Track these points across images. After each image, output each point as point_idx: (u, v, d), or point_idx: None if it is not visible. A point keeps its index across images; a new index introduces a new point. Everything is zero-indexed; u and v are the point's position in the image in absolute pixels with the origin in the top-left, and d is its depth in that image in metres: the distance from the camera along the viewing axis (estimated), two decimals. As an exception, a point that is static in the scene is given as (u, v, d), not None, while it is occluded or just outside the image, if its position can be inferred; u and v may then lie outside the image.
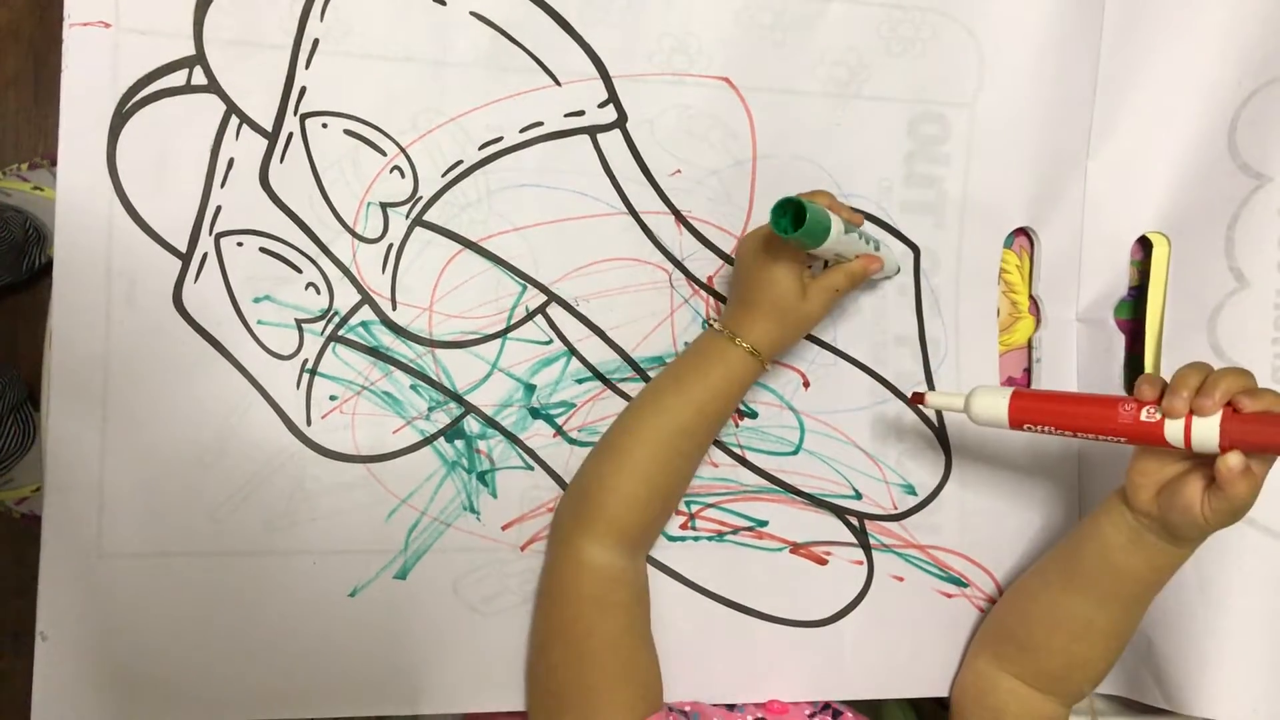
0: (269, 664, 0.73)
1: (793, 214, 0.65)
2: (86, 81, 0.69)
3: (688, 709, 0.75)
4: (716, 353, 0.73)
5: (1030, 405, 0.67)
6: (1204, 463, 0.62)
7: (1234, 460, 0.59)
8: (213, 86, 0.71)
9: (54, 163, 1.36)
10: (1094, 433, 0.65)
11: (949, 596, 0.83)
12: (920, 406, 0.70)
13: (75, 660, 0.70)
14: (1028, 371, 0.86)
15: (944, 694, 0.82)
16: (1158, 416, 0.62)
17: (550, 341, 0.77)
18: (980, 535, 0.83)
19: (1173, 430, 0.61)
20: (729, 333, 0.72)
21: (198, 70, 0.71)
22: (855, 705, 0.83)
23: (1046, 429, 0.66)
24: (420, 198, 0.75)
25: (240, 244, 0.72)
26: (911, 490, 0.83)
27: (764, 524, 0.80)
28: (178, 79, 0.71)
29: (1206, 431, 0.60)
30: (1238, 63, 0.80)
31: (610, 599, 0.70)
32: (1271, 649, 0.77)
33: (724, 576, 0.79)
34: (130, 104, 0.70)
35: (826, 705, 0.78)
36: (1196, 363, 0.63)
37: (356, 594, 0.74)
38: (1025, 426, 0.67)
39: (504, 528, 0.76)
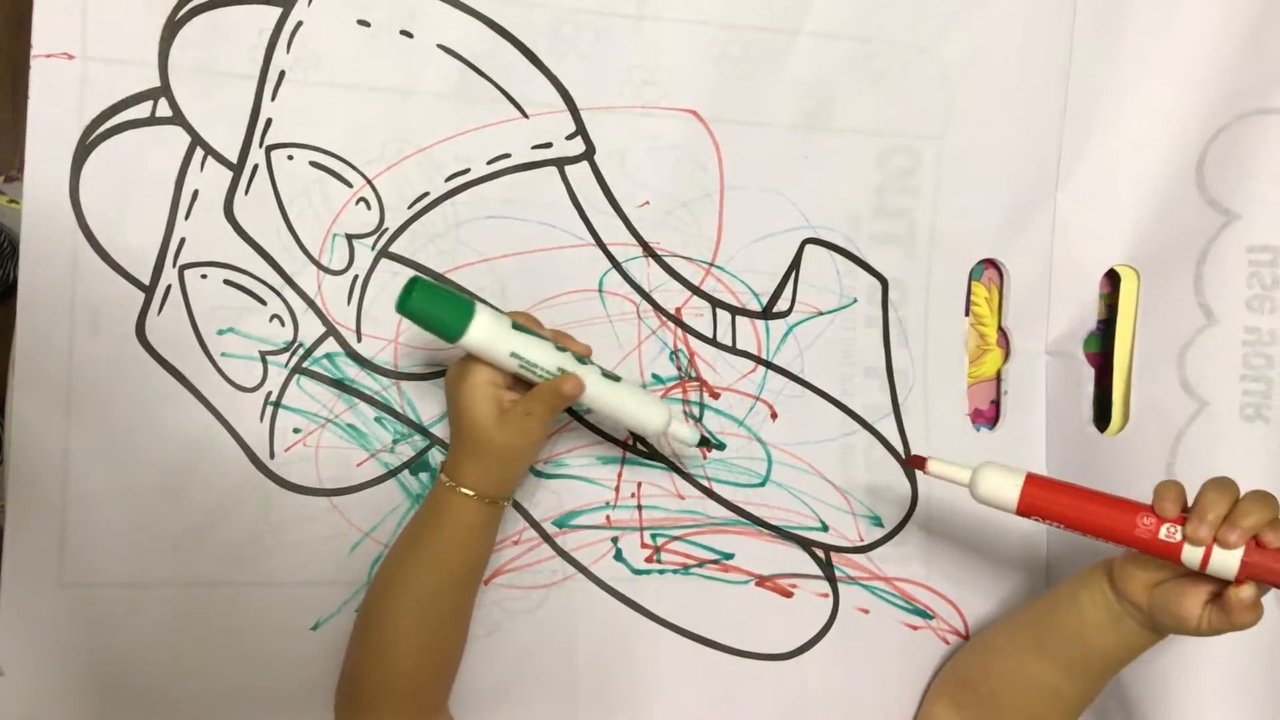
0: (231, 696, 0.73)
1: (407, 292, 0.62)
2: (51, 113, 0.69)
3: None
4: (440, 506, 0.68)
5: (1042, 496, 0.63)
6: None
7: (1247, 593, 0.58)
8: (177, 118, 0.71)
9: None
10: (1107, 539, 0.62)
11: (914, 629, 0.83)
12: (921, 471, 0.66)
13: (35, 694, 0.70)
14: (995, 404, 0.86)
15: (909, 727, 0.82)
16: (1178, 537, 0.59)
17: (516, 374, 0.77)
18: (946, 568, 0.83)
19: (1190, 555, 0.59)
20: (447, 480, 0.67)
21: (162, 102, 0.71)
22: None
23: (1053, 523, 0.63)
24: (386, 229, 0.75)
25: (204, 276, 0.72)
26: (878, 522, 0.83)
27: (730, 556, 0.80)
28: (142, 110, 0.70)
29: (1226, 562, 0.58)
30: (1204, 98, 0.80)
31: None
32: (1239, 683, 0.76)
33: (689, 610, 0.79)
34: (94, 135, 0.70)
35: None
36: (1223, 483, 0.60)
37: (319, 627, 0.74)
38: (1032, 517, 0.64)
39: (468, 560, 0.76)
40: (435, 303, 0.63)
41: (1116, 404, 0.82)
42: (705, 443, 0.73)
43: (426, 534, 0.69)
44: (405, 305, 0.62)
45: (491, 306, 0.65)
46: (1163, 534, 0.60)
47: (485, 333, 0.63)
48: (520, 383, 0.67)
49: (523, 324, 0.66)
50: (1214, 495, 0.59)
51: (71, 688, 0.71)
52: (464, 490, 0.67)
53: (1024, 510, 0.64)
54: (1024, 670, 0.72)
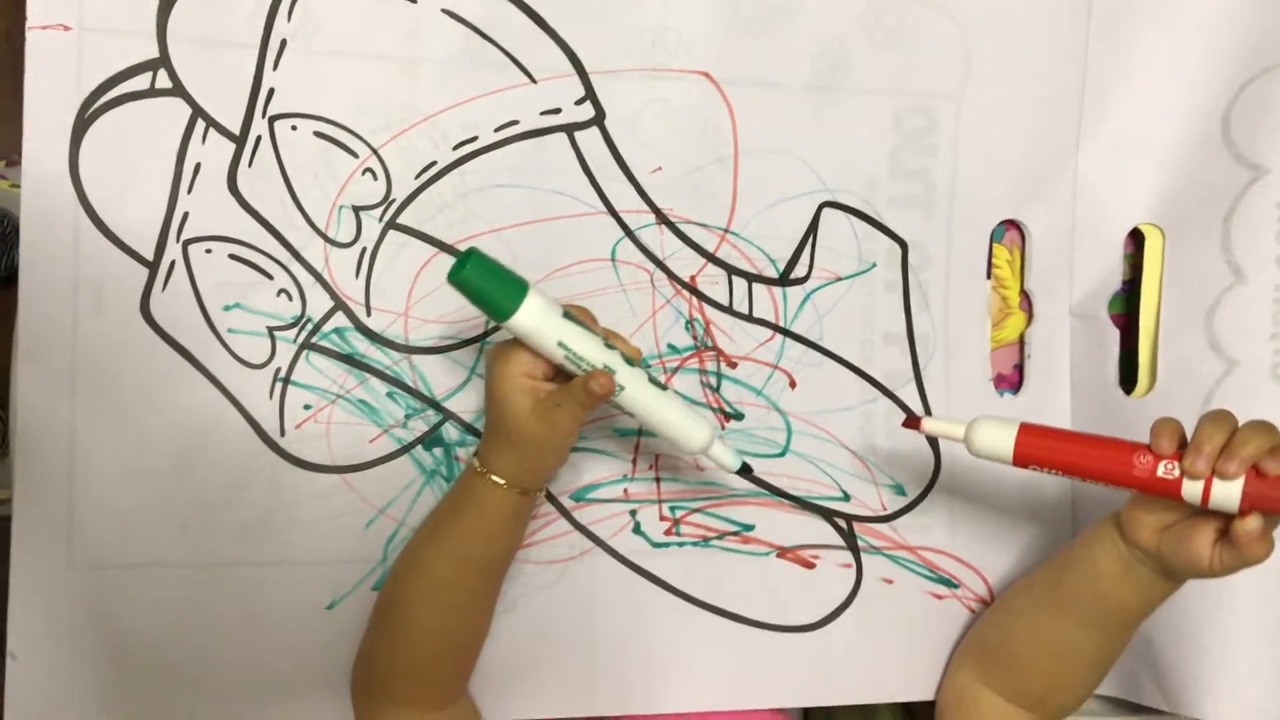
0: (246, 677, 0.72)
1: (462, 263, 0.61)
2: (48, 86, 0.67)
3: None
4: (469, 491, 0.67)
5: (1037, 443, 0.63)
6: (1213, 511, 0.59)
7: (1253, 524, 0.56)
8: (178, 90, 0.69)
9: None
10: (1105, 481, 0.61)
11: (939, 598, 0.81)
12: (917, 431, 0.67)
13: (47, 677, 0.69)
14: (1018, 368, 0.85)
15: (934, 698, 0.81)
16: (1176, 473, 0.58)
17: (530, 345, 0.75)
18: (970, 535, 0.82)
19: (1190, 490, 0.58)
20: (479, 465, 0.66)
21: (162, 73, 0.69)
22: (846, 710, 0.82)
23: (1051, 470, 0.63)
24: (394, 200, 0.73)
25: (209, 250, 0.71)
26: (900, 490, 0.81)
27: (750, 528, 0.79)
28: (142, 82, 0.69)
29: (1227, 494, 0.57)
30: (1229, 52, 0.78)
31: None
32: (1273, 649, 0.75)
33: (710, 583, 0.78)
34: (93, 109, 0.68)
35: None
36: (1219, 415, 0.59)
37: (334, 606, 0.73)
38: (1030, 466, 0.63)
39: (484, 536, 0.75)
40: (490, 278, 0.62)
41: (1143, 365, 0.81)
42: (746, 470, 0.69)
43: (452, 519, 0.67)
44: (458, 275, 0.61)
45: (545, 294, 0.63)
46: (1160, 471, 0.59)
47: (535, 317, 0.62)
48: (560, 376, 0.65)
49: (575, 315, 0.64)
50: (1210, 428, 0.58)
51: (84, 671, 0.69)
52: (494, 478, 0.65)
53: (1020, 460, 0.63)
54: (1043, 629, 0.71)
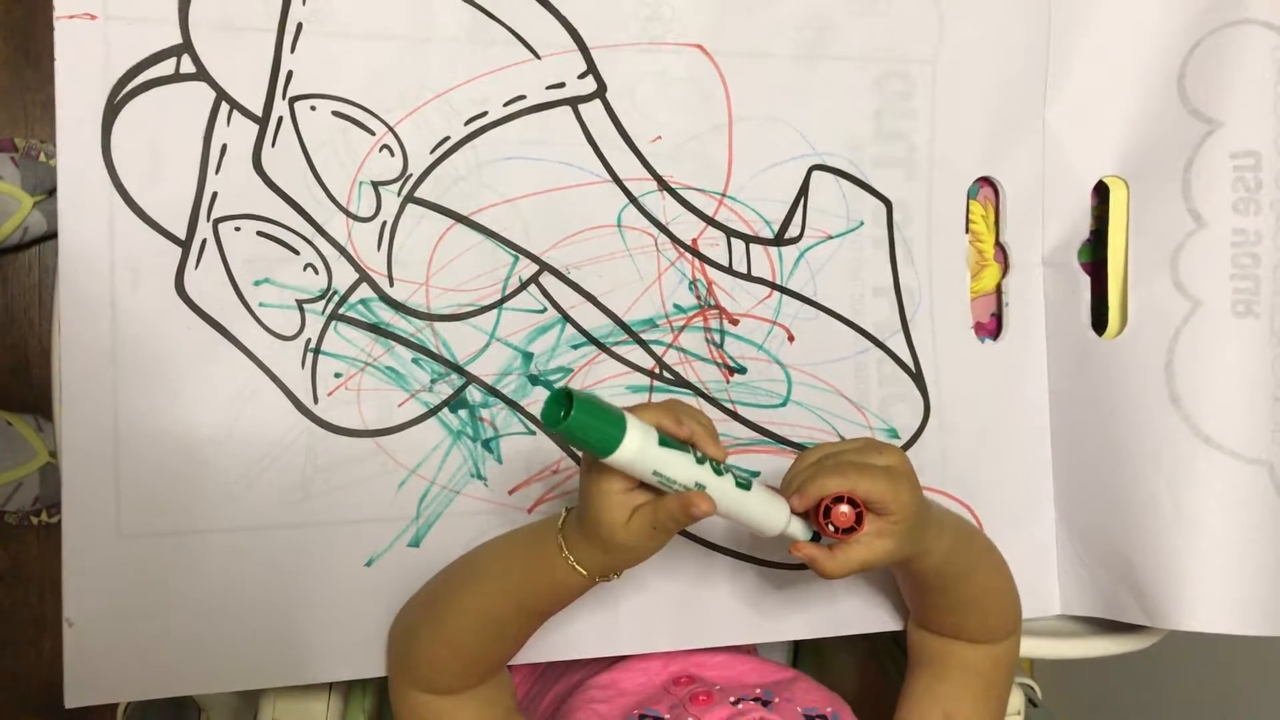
0: (292, 633, 0.75)
1: (564, 405, 0.57)
2: (78, 75, 0.70)
3: None
4: (546, 556, 0.67)
5: None
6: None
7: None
8: (201, 74, 0.72)
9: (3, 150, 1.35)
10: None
11: (934, 533, 0.87)
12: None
13: (102, 642, 0.72)
14: (996, 316, 0.90)
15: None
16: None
17: (544, 310, 0.79)
18: (960, 472, 0.87)
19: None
20: (565, 549, 0.66)
21: (185, 58, 0.72)
22: (848, 639, 0.88)
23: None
24: (411, 175, 0.76)
25: (238, 228, 0.73)
26: (894, 434, 0.86)
27: (756, 475, 0.83)
28: (166, 68, 0.71)
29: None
30: (1183, 10, 0.84)
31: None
32: (1241, 562, 0.81)
33: (721, 526, 0.82)
34: (121, 95, 0.71)
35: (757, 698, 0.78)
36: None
37: (373, 563, 0.76)
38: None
39: (511, 492, 0.79)
40: (590, 423, 0.58)
41: (1113, 308, 0.86)
42: (817, 537, 0.70)
43: (520, 573, 0.69)
44: (559, 424, 0.58)
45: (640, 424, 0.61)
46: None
47: (634, 454, 0.60)
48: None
49: (667, 431, 0.62)
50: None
51: (137, 635, 0.72)
52: (576, 566, 0.66)
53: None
54: (933, 619, 0.81)
